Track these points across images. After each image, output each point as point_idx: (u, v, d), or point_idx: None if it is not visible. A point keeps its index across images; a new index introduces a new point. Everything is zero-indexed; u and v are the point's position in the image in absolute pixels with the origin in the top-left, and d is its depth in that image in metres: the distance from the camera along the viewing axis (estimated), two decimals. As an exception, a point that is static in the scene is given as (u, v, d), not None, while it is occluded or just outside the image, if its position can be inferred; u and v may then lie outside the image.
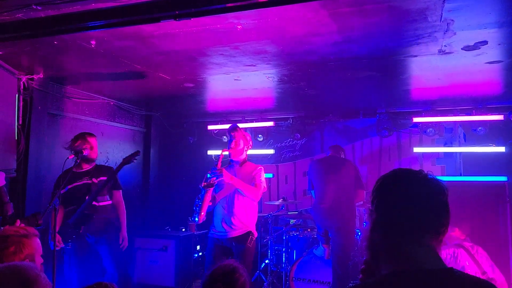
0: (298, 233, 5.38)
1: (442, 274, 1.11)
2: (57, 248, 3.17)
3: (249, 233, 3.73)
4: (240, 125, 4.05)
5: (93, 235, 4.04)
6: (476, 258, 4.00)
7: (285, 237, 5.34)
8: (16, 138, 4.15)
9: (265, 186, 3.86)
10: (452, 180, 5.20)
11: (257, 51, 3.60)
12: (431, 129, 5.62)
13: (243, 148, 3.89)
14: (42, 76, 4.41)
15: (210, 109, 6.43)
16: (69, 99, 5.04)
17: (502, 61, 3.81)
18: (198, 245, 5.95)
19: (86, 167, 4.13)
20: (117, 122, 5.93)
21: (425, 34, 3.13)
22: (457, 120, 5.64)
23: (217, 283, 2.04)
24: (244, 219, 3.74)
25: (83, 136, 4.08)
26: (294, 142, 6.71)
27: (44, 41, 3.36)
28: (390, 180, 1.23)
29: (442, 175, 5.79)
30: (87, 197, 3.94)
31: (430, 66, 3.99)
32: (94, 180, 4.06)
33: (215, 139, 6.77)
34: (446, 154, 5.95)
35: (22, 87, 4.27)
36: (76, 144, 4.01)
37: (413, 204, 1.16)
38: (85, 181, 4.05)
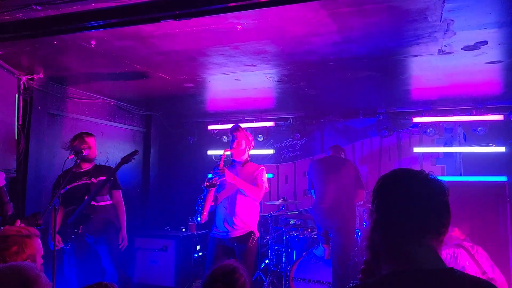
0: (298, 233, 5.38)
1: (442, 274, 1.11)
2: (56, 248, 3.17)
3: (250, 233, 3.74)
4: (241, 125, 4.05)
5: (92, 235, 4.03)
6: (476, 258, 4.00)
7: (285, 237, 5.34)
8: (16, 138, 4.15)
9: (267, 186, 3.87)
10: (452, 180, 5.20)
11: (257, 51, 3.60)
12: (431, 129, 5.62)
13: (245, 148, 3.89)
14: (42, 76, 4.41)
15: (210, 109, 6.43)
16: (69, 99, 5.04)
17: (502, 61, 3.81)
18: (198, 245, 5.95)
19: (86, 167, 4.13)
20: (117, 122, 5.93)
21: (425, 34, 3.13)
22: (457, 120, 5.64)
23: (217, 283, 2.05)
24: (246, 219, 3.75)
25: (80, 136, 4.08)
26: (294, 142, 6.71)
27: (44, 41, 3.36)
28: (391, 180, 1.23)
29: (442, 175, 5.79)
30: (86, 197, 3.94)
31: (430, 66, 3.99)
32: (93, 180, 4.06)
33: (215, 139, 6.77)
34: (446, 154, 5.95)
35: (22, 87, 4.27)
36: (74, 144, 4.01)
37: (413, 204, 1.16)
38: (84, 181, 4.06)
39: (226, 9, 2.45)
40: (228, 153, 3.87)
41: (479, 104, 5.49)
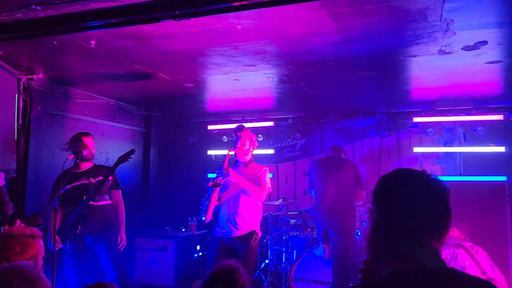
0: (298, 233, 5.38)
1: (442, 274, 1.11)
2: (55, 249, 3.17)
3: (253, 233, 3.75)
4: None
5: (91, 235, 4.03)
6: (476, 258, 4.00)
7: (285, 237, 5.34)
8: (16, 138, 4.15)
9: (270, 187, 3.89)
10: (452, 180, 5.20)
11: (257, 51, 3.60)
12: (431, 129, 5.62)
13: (249, 148, 3.90)
14: (42, 76, 4.41)
15: (210, 109, 6.43)
16: (69, 99, 5.04)
17: (502, 61, 3.81)
18: (198, 245, 5.95)
19: (85, 167, 4.13)
20: (117, 122, 5.93)
21: (425, 34, 3.13)
22: (457, 120, 5.64)
23: (217, 283, 2.05)
24: (249, 219, 3.76)
25: (78, 137, 4.08)
26: (294, 142, 6.71)
27: (44, 41, 3.36)
28: (391, 180, 1.23)
29: (442, 175, 5.79)
30: (84, 197, 3.94)
31: (430, 66, 3.99)
32: (92, 180, 4.06)
33: (215, 139, 6.77)
34: (446, 154, 5.95)
35: (22, 87, 4.27)
36: (72, 145, 4.03)
37: (414, 204, 1.15)
38: (83, 181, 4.05)
39: (226, 9, 2.45)
40: (232, 153, 3.87)
41: (479, 104, 5.49)
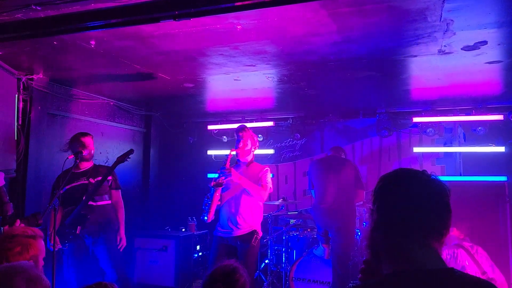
0: (298, 233, 5.38)
1: (443, 274, 1.11)
2: (55, 249, 3.16)
3: (254, 232, 3.76)
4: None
5: (90, 235, 4.02)
6: (476, 258, 4.00)
7: (285, 237, 5.34)
8: (15, 138, 4.15)
9: (271, 187, 3.90)
10: (452, 180, 5.20)
11: (257, 51, 3.60)
12: (431, 129, 5.62)
13: (251, 148, 3.91)
14: (41, 76, 4.41)
15: (210, 109, 6.43)
16: (69, 99, 5.04)
17: (502, 61, 3.81)
18: (198, 245, 5.95)
19: (84, 167, 4.12)
20: (117, 122, 5.93)
21: (425, 34, 3.13)
22: (457, 120, 5.64)
23: (217, 283, 2.04)
24: (250, 219, 3.78)
25: (76, 137, 4.09)
26: (294, 142, 6.71)
27: (44, 41, 3.36)
28: (392, 180, 1.23)
29: (442, 175, 5.78)
30: (84, 197, 3.94)
31: (430, 66, 3.99)
32: (91, 180, 4.06)
33: (215, 139, 6.77)
34: (446, 154, 5.95)
35: (22, 87, 4.27)
36: (71, 145, 4.02)
37: (414, 205, 1.16)
38: (83, 181, 4.05)
39: (226, 9, 2.45)
40: (234, 153, 3.87)
41: (479, 104, 5.49)
